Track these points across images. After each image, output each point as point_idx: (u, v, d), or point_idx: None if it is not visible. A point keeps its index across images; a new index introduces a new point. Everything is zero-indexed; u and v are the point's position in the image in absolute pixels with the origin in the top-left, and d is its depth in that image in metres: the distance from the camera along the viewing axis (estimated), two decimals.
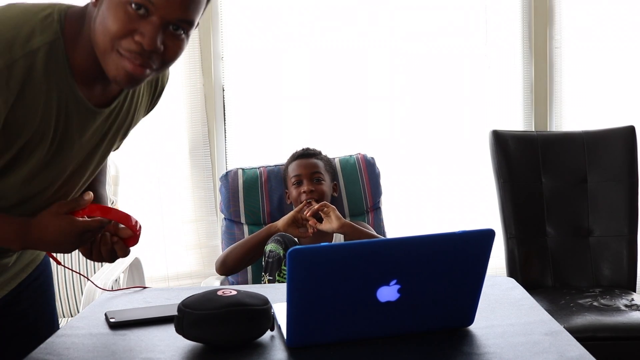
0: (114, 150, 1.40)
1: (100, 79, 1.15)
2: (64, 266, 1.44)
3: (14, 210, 1.20)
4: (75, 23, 1.11)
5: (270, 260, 2.05)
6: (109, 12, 1.05)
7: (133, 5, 1.04)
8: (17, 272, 1.38)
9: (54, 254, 1.37)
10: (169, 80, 1.38)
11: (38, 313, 1.45)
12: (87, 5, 1.13)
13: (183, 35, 1.09)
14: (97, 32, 1.07)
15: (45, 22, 1.08)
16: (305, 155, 2.33)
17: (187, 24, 1.08)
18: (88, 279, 1.60)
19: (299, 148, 2.39)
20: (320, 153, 2.38)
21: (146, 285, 2.65)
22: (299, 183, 2.27)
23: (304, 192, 2.23)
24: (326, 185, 2.28)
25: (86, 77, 1.14)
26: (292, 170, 2.31)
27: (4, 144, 1.11)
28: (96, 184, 1.41)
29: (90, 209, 1.23)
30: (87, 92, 1.16)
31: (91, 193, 1.27)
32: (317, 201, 2.20)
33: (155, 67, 1.10)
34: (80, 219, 1.20)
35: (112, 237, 1.26)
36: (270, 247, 2.07)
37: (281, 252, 2.05)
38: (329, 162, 2.37)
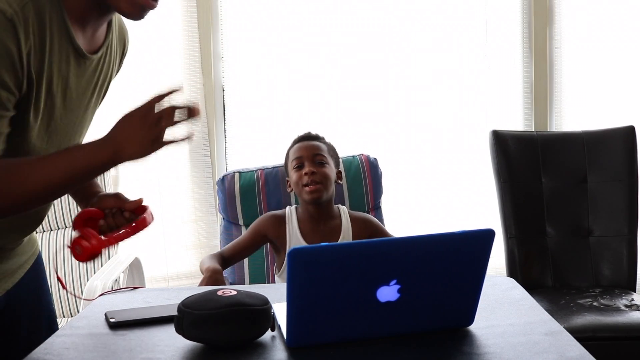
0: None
1: (92, 23, 1.19)
2: (73, 294, 1.44)
3: None
4: None
5: None
6: None
7: None
8: (19, 265, 1.39)
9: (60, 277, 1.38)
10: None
11: (37, 309, 1.46)
12: None
13: None
14: None
15: None
16: (308, 138, 2.15)
17: None
18: (79, 297, 1.60)
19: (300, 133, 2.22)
20: (323, 138, 2.20)
21: (146, 286, 2.66)
22: (300, 166, 2.06)
23: (306, 173, 2.02)
24: (330, 169, 2.07)
25: (79, 21, 1.18)
26: (293, 153, 2.11)
27: (29, 95, 1.12)
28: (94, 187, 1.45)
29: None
30: (79, 37, 1.20)
31: (121, 196, 1.35)
32: (321, 183, 2.02)
33: None
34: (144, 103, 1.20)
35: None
36: None
37: None
38: (332, 148, 2.19)
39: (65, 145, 1.27)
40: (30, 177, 1.12)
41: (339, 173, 2.16)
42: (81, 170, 1.15)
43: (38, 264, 1.49)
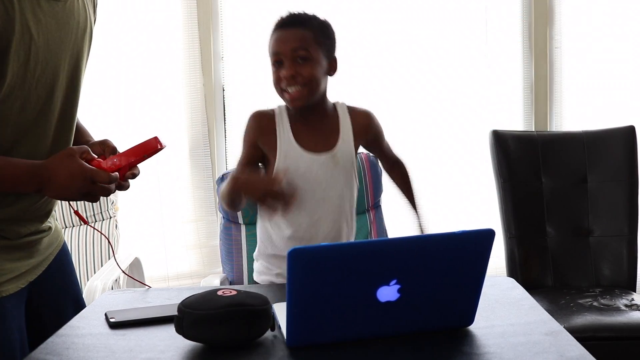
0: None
1: None
2: (93, 227, 1.45)
3: (19, 150, 1.26)
4: None
5: None
6: None
7: None
8: (43, 259, 1.43)
9: (83, 215, 1.39)
10: None
11: (63, 297, 1.50)
12: None
13: None
14: None
15: None
16: (288, 24, 1.69)
17: None
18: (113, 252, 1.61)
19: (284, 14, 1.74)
20: (311, 18, 1.70)
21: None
22: (278, 63, 1.66)
23: (284, 77, 1.65)
24: (317, 66, 1.66)
25: None
26: (271, 47, 1.68)
27: (1, 53, 1.17)
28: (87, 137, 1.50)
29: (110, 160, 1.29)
30: None
31: (108, 142, 1.36)
32: (305, 87, 1.65)
33: None
34: (90, 166, 1.24)
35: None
36: None
37: None
38: (323, 30, 1.70)
39: (65, 87, 1.32)
40: None
41: (332, 62, 1.73)
42: (4, 186, 1.24)
43: (63, 253, 1.52)
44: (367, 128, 1.79)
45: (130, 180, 1.38)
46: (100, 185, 1.25)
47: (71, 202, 1.58)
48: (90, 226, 1.44)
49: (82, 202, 2.59)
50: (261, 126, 1.74)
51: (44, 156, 1.30)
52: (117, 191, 1.34)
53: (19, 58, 1.20)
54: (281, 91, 1.68)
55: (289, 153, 1.69)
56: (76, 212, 1.45)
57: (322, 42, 1.68)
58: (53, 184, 1.23)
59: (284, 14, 1.71)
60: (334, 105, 1.78)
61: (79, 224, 2.64)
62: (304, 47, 1.64)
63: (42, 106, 1.29)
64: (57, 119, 1.34)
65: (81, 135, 1.50)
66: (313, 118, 1.73)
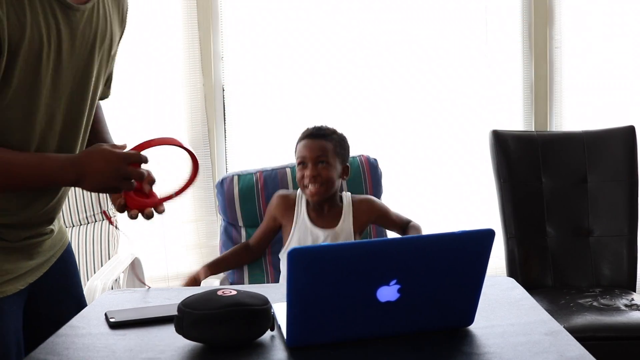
0: (104, 96, 1.50)
1: None
2: (116, 226, 1.45)
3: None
4: None
5: None
6: None
7: None
8: (45, 260, 1.42)
9: (109, 214, 1.39)
10: (129, 6, 1.47)
11: (64, 300, 1.49)
12: None
13: None
14: None
15: None
16: (314, 136, 2.16)
17: None
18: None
19: (310, 126, 2.23)
20: (332, 133, 2.19)
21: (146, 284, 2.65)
22: (303, 165, 2.14)
23: (307, 176, 2.12)
24: (333, 171, 2.13)
25: None
26: (298, 151, 2.17)
27: (10, 60, 1.16)
28: (105, 135, 1.51)
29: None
30: None
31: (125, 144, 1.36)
32: (322, 186, 2.11)
33: None
34: (121, 150, 1.27)
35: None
36: None
37: None
38: (341, 143, 2.19)
39: (77, 100, 1.32)
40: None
41: (345, 169, 2.20)
42: (42, 181, 1.28)
43: (67, 254, 1.51)
44: (368, 212, 2.23)
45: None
46: (134, 169, 1.26)
47: (100, 201, 1.58)
48: (116, 227, 1.44)
49: (84, 202, 2.59)
50: (285, 203, 2.23)
51: None
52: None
53: (27, 65, 1.19)
54: (303, 187, 2.15)
55: (301, 226, 2.18)
56: (104, 212, 1.45)
57: (339, 152, 2.17)
58: (90, 170, 1.24)
59: (311, 126, 2.20)
60: (341, 196, 2.24)
61: (79, 223, 2.64)
62: (325, 155, 2.12)
63: (48, 115, 1.28)
64: (62, 127, 1.32)
65: (102, 133, 1.52)
66: (324, 206, 2.19)
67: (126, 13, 1.46)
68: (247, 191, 2.41)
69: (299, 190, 2.22)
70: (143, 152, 1.30)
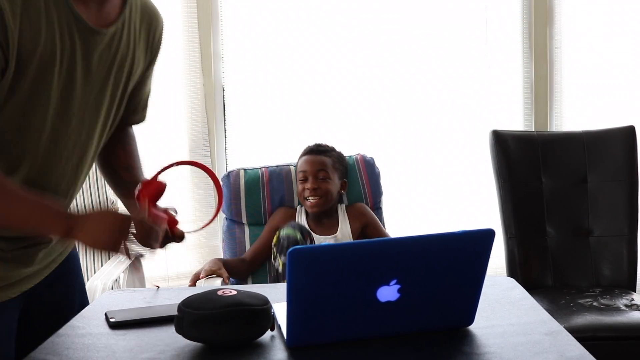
0: (138, 120, 1.48)
1: None
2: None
3: (32, 172, 1.22)
4: None
5: (286, 243, 2.12)
6: None
7: None
8: (44, 267, 1.39)
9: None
10: (163, 31, 1.42)
11: (64, 306, 1.46)
12: None
13: None
14: None
15: None
16: (314, 152, 2.35)
17: None
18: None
19: (311, 143, 2.41)
20: (331, 150, 2.39)
21: (146, 286, 2.66)
22: (304, 179, 2.31)
23: (308, 189, 2.28)
24: (332, 184, 2.31)
25: None
26: (300, 166, 2.35)
27: (18, 71, 1.13)
28: (134, 171, 1.48)
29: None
30: (83, 10, 1.20)
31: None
32: (322, 198, 2.27)
33: None
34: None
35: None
36: (285, 231, 2.16)
37: (298, 236, 2.13)
38: (339, 159, 2.39)
39: (87, 123, 1.28)
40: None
41: (343, 183, 2.39)
42: (34, 227, 1.23)
43: (71, 258, 1.48)
44: (360, 216, 2.39)
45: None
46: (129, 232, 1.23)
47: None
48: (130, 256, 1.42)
49: (84, 202, 2.59)
50: (286, 213, 2.38)
51: (54, 189, 1.27)
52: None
53: (37, 77, 1.16)
54: (304, 199, 2.32)
55: None
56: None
57: (337, 167, 2.36)
58: (85, 225, 1.20)
59: (312, 143, 2.39)
60: (336, 207, 2.39)
61: None
62: (324, 170, 2.30)
63: (54, 134, 1.24)
64: (69, 150, 1.28)
65: (133, 170, 1.49)
66: (322, 217, 2.34)
67: (159, 38, 1.41)
68: (253, 184, 2.44)
69: (298, 207, 2.39)
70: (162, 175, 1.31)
